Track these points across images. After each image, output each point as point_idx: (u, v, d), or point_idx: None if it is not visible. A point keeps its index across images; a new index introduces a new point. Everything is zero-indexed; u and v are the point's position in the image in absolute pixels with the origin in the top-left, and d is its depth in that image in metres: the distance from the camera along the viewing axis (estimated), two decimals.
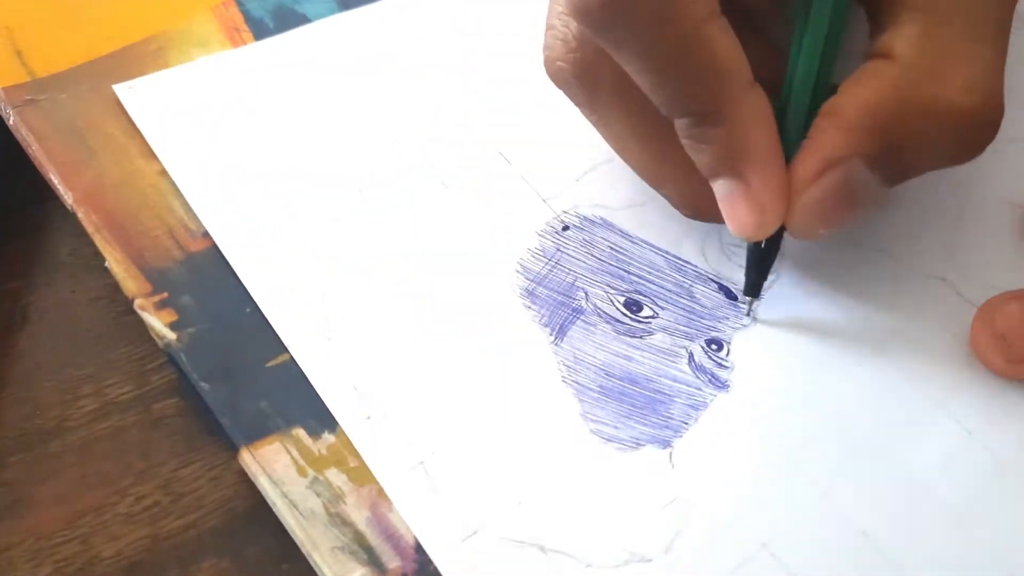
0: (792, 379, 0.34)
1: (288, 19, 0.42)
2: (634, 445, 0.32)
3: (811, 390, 0.33)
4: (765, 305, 0.35)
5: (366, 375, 0.33)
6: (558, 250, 0.36)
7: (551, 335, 0.34)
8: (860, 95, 0.30)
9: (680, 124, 0.31)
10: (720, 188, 0.32)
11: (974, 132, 0.31)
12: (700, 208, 0.34)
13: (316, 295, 0.34)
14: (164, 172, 0.37)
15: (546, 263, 0.36)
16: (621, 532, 0.31)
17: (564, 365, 0.33)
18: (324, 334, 0.33)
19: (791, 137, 0.32)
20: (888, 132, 0.30)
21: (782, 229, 0.32)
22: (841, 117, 0.31)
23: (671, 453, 0.32)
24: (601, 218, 0.37)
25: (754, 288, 0.34)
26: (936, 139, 0.31)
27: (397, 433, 0.32)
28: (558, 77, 0.34)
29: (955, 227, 0.37)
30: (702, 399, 0.33)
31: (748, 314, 0.35)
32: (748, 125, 0.30)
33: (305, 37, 0.41)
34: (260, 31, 0.41)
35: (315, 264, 0.35)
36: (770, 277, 0.35)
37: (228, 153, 0.37)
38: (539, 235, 0.36)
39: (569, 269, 0.35)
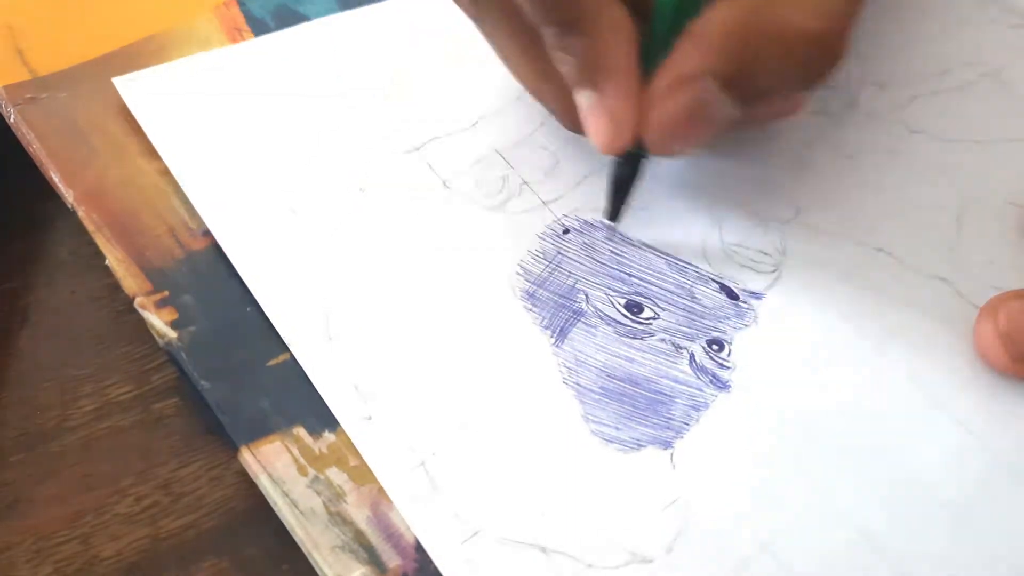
0: (793, 379, 0.34)
1: (289, 19, 0.42)
2: (635, 446, 0.32)
3: (812, 390, 0.33)
4: (766, 305, 0.35)
5: (367, 375, 0.33)
6: (559, 253, 0.36)
7: (552, 337, 0.34)
8: (717, 16, 0.31)
9: (547, 35, 0.32)
10: (581, 100, 0.33)
11: (818, 56, 0.32)
12: (578, 122, 0.34)
13: (317, 295, 0.34)
14: (165, 171, 0.37)
15: (547, 265, 0.35)
16: (622, 533, 0.30)
17: (565, 367, 0.33)
18: (325, 334, 0.33)
19: (656, 55, 0.32)
20: (739, 53, 0.31)
21: (641, 156, 0.34)
22: (698, 37, 0.31)
23: (672, 454, 0.32)
24: (601, 221, 0.37)
25: (613, 212, 0.35)
26: (783, 61, 0.31)
27: (398, 434, 0.32)
28: None
29: (955, 227, 0.37)
30: (703, 400, 0.33)
31: (612, 237, 0.36)
32: (606, 37, 0.31)
33: (305, 35, 0.41)
34: (261, 31, 0.41)
35: (316, 264, 0.35)
36: (771, 278, 0.35)
37: (228, 149, 0.37)
38: (540, 238, 0.36)
39: (569, 272, 0.35)
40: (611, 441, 0.32)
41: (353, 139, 0.38)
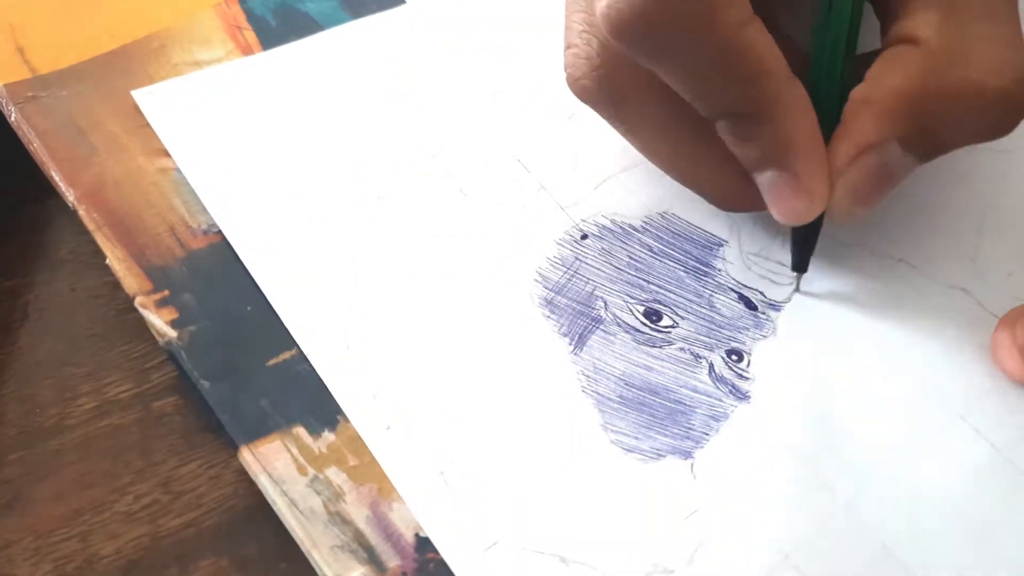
0: (813, 390, 0.33)
1: (290, 17, 0.42)
2: (655, 456, 0.32)
3: (832, 401, 0.33)
4: (785, 316, 0.35)
5: (386, 384, 0.33)
6: (576, 259, 0.36)
7: (570, 345, 0.34)
8: (890, 81, 0.31)
9: (724, 124, 0.31)
10: (767, 180, 0.32)
11: (1004, 110, 0.32)
12: (740, 202, 0.34)
13: (335, 303, 0.34)
14: (166, 170, 0.37)
15: (565, 272, 0.35)
16: (643, 544, 0.30)
17: (583, 375, 0.33)
18: (344, 342, 0.33)
19: (824, 125, 0.32)
20: (920, 115, 0.31)
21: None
22: (873, 103, 0.31)
23: (692, 464, 0.32)
24: (620, 227, 0.37)
25: (802, 264, 0.35)
26: (967, 119, 0.31)
27: (417, 443, 0.32)
28: (584, 95, 0.34)
29: (976, 237, 0.37)
30: (723, 410, 0.33)
31: (797, 289, 0.35)
32: (793, 118, 0.31)
33: (320, 45, 0.41)
34: (262, 29, 0.41)
35: (334, 272, 0.35)
36: (789, 289, 0.35)
37: (246, 160, 0.37)
38: (558, 244, 0.36)
39: (588, 278, 0.35)
40: (631, 451, 0.32)
41: (370, 148, 0.38)
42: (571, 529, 0.30)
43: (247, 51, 0.40)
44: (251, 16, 0.42)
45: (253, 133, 0.38)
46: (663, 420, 0.33)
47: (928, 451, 0.32)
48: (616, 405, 0.33)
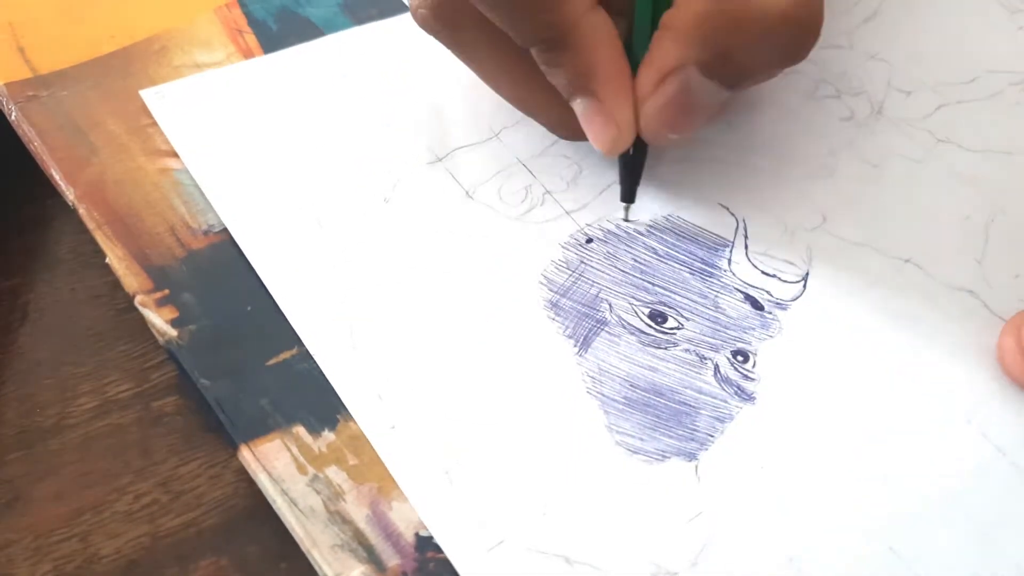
0: (818, 391, 0.33)
1: (291, 21, 0.42)
2: (660, 457, 0.32)
3: (838, 403, 0.33)
4: (791, 316, 0.35)
5: (391, 384, 0.33)
6: (582, 262, 0.36)
7: (575, 346, 0.34)
8: (689, 7, 0.32)
9: (535, 53, 0.33)
10: (578, 108, 0.34)
11: (794, 34, 0.32)
12: (573, 129, 0.35)
13: (341, 304, 0.34)
14: (166, 170, 0.37)
15: (570, 275, 0.35)
16: (647, 545, 0.30)
17: (588, 376, 0.33)
18: (349, 343, 0.33)
19: (637, 52, 0.34)
20: (716, 40, 0.32)
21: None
22: (674, 29, 0.33)
23: (697, 466, 0.32)
24: (625, 231, 0.37)
25: (629, 194, 0.36)
26: (760, 43, 0.32)
27: (422, 443, 0.32)
28: (424, 23, 0.35)
29: (983, 239, 0.37)
30: (728, 411, 0.33)
31: (626, 218, 0.36)
32: (593, 46, 0.32)
33: (326, 47, 0.41)
34: (263, 33, 0.41)
35: (340, 273, 0.35)
36: (796, 288, 0.35)
37: (253, 161, 0.37)
38: (563, 247, 0.36)
39: (593, 281, 0.35)
40: (636, 452, 0.32)
41: (376, 150, 0.38)
42: (575, 530, 0.30)
43: (248, 54, 0.40)
44: (252, 20, 0.42)
45: (260, 134, 0.38)
46: (668, 421, 0.32)
47: (933, 453, 0.32)
48: (621, 406, 0.33)
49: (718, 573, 0.30)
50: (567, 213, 0.37)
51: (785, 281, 0.36)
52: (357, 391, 0.32)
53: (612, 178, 0.37)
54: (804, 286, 0.36)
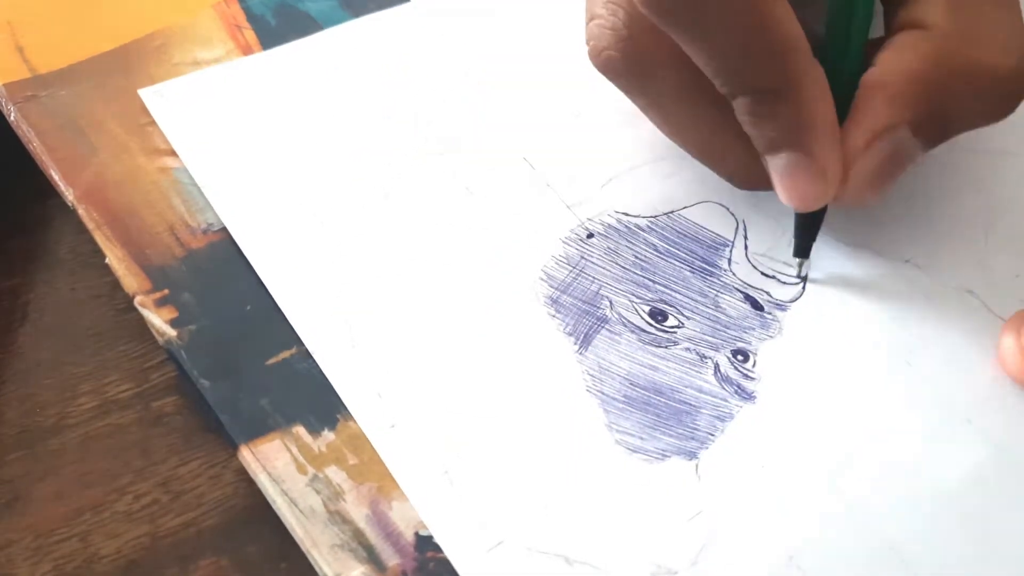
0: (819, 391, 0.33)
1: (290, 16, 0.42)
2: (660, 456, 0.32)
3: (837, 403, 0.33)
4: (791, 316, 0.35)
5: (390, 383, 0.33)
6: (582, 258, 0.36)
7: (575, 344, 0.34)
8: (901, 65, 0.32)
9: (741, 102, 0.32)
10: (780, 161, 0.32)
11: (1011, 91, 0.32)
12: (753, 180, 0.34)
13: (340, 301, 0.34)
14: (166, 169, 0.37)
15: (570, 271, 0.35)
16: (647, 544, 0.30)
17: (589, 375, 0.33)
18: (349, 341, 0.33)
19: (839, 109, 0.32)
20: (931, 99, 0.32)
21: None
22: (886, 88, 0.32)
23: (697, 465, 0.32)
24: (626, 226, 0.36)
25: (804, 250, 0.35)
26: (975, 101, 0.32)
27: (422, 441, 0.32)
28: (608, 67, 0.34)
29: (984, 239, 0.37)
30: (728, 410, 0.33)
31: (799, 275, 0.35)
32: (814, 99, 0.31)
33: (326, 42, 0.41)
34: (262, 28, 0.41)
35: (340, 270, 0.35)
36: (796, 289, 0.35)
37: (252, 158, 0.37)
38: (563, 242, 0.36)
39: (593, 277, 0.35)
40: (636, 451, 0.32)
41: (376, 145, 0.38)
42: (575, 529, 0.30)
43: (247, 50, 0.40)
44: (251, 15, 0.42)
45: (259, 131, 0.38)
46: (668, 420, 0.32)
47: (933, 452, 0.32)
48: (621, 405, 0.33)
49: (718, 572, 0.30)
50: (568, 207, 0.37)
51: (784, 282, 0.36)
52: (356, 389, 0.32)
53: (613, 172, 0.37)
54: (803, 287, 0.36)
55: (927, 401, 0.33)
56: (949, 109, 0.32)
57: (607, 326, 0.34)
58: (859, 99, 0.32)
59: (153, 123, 0.38)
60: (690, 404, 0.33)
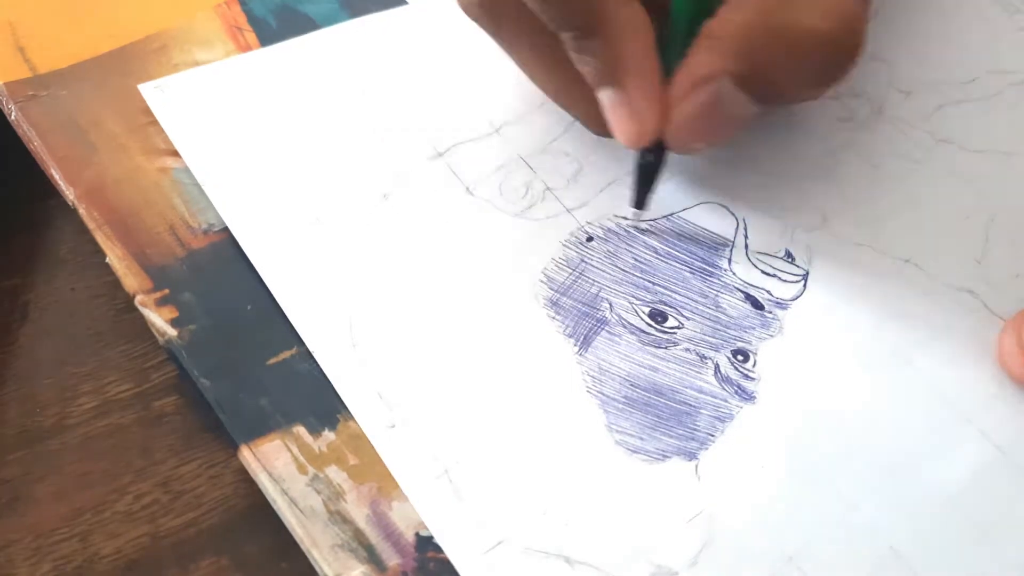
0: (819, 391, 0.33)
1: (291, 19, 0.42)
2: (660, 457, 0.32)
3: (838, 402, 0.33)
4: (792, 315, 0.35)
5: (391, 383, 0.33)
6: (582, 261, 0.36)
7: (575, 345, 0.34)
8: (731, 18, 0.32)
9: (566, 40, 0.33)
10: (604, 98, 0.34)
11: (833, 56, 0.33)
12: (604, 124, 0.35)
13: (341, 302, 0.34)
14: (166, 169, 0.37)
15: (570, 273, 0.35)
16: (647, 545, 0.30)
17: (589, 376, 0.33)
18: (349, 341, 0.33)
19: (674, 56, 0.33)
20: (753, 54, 0.32)
21: (664, 146, 0.34)
22: (713, 39, 0.33)
23: (697, 465, 0.32)
24: (625, 229, 0.36)
25: (640, 200, 0.36)
26: (798, 63, 0.32)
27: (422, 442, 0.32)
28: (469, 10, 0.35)
29: (983, 239, 0.37)
30: (728, 411, 0.33)
31: (636, 227, 0.36)
32: (624, 37, 0.32)
33: (326, 40, 0.41)
34: (262, 30, 0.41)
35: (340, 270, 0.35)
36: (796, 288, 0.35)
37: (251, 155, 0.37)
38: (563, 245, 0.36)
39: (593, 279, 0.35)
40: (636, 451, 0.32)
41: (376, 145, 0.38)
42: (576, 530, 0.30)
43: (247, 52, 0.40)
44: (251, 17, 0.41)
45: (259, 128, 0.38)
46: (668, 421, 0.33)
47: (933, 452, 0.32)
48: (621, 406, 0.33)
49: (718, 572, 0.30)
50: (568, 210, 0.37)
51: (785, 281, 0.36)
52: (357, 389, 0.32)
53: (613, 176, 0.37)
54: (804, 286, 0.36)
55: (928, 402, 0.33)
56: (773, 68, 0.32)
57: (607, 328, 0.34)
58: (692, 47, 0.33)
59: (154, 123, 0.38)
60: (690, 405, 0.33)
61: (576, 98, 0.36)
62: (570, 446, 0.32)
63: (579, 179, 0.38)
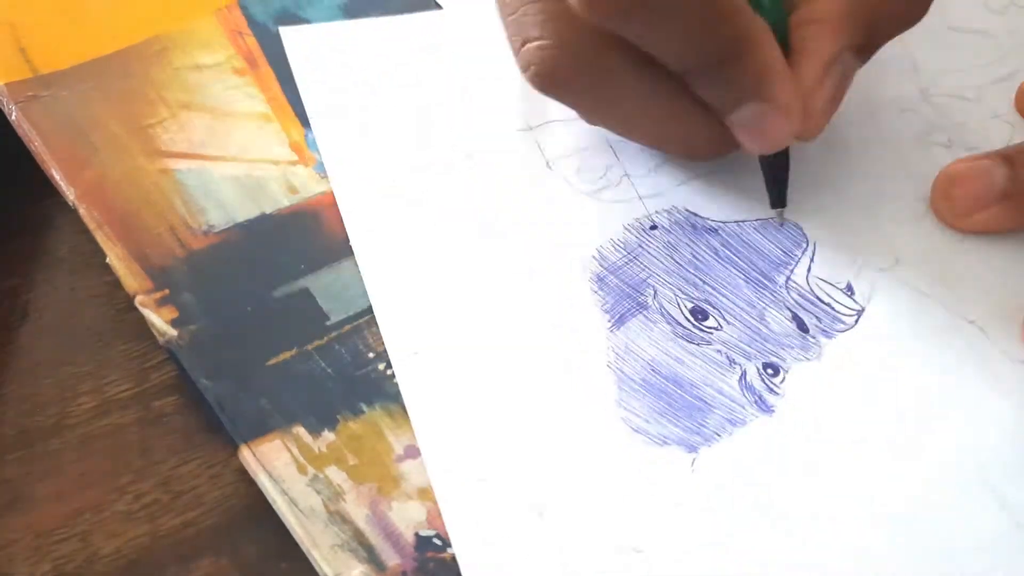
0: (839, 425, 0.32)
1: (290, 24, 0.42)
2: (660, 442, 0.32)
3: (854, 442, 0.32)
4: (834, 345, 0.34)
5: (424, 318, 0.34)
6: (640, 246, 0.36)
7: (609, 321, 0.34)
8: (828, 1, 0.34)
9: (700, 72, 0.32)
10: (744, 115, 0.33)
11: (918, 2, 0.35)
12: (709, 149, 0.36)
13: (408, 249, 0.36)
14: (166, 170, 0.37)
15: (624, 255, 0.36)
16: (624, 520, 0.30)
17: (613, 351, 0.33)
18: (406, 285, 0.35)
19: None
20: (863, 18, 0.34)
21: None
22: (821, 23, 0.34)
23: (695, 459, 0.32)
24: (692, 224, 0.36)
25: (783, 197, 0.36)
26: (895, 8, 0.34)
27: (439, 375, 0.33)
28: (561, 86, 0.34)
29: None
30: (742, 416, 0.33)
31: (782, 224, 0.36)
32: (766, 48, 0.32)
33: (449, 17, 0.42)
34: (262, 35, 0.41)
35: (415, 224, 0.36)
36: (848, 322, 0.34)
37: (364, 113, 0.39)
38: (625, 228, 0.36)
39: (645, 266, 0.35)
40: (637, 431, 0.32)
41: (473, 114, 0.39)
42: (558, 489, 0.31)
43: (248, 56, 0.40)
44: (252, 22, 0.42)
45: (376, 87, 0.40)
46: (678, 411, 0.33)
47: (951, 524, 0.31)
48: (637, 386, 0.33)
49: (681, 561, 0.30)
50: (640, 198, 0.37)
51: (838, 313, 0.35)
52: (395, 309, 0.34)
53: (694, 173, 0.37)
54: (857, 321, 0.35)
55: (952, 466, 0.32)
56: (877, 21, 0.34)
57: (645, 312, 0.34)
58: (798, 39, 0.34)
59: (155, 124, 0.38)
60: (705, 402, 0.33)
61: (683, 133, 0.35)
62: (574, 412, 0.32)
63: (659, 171, 0.38)
